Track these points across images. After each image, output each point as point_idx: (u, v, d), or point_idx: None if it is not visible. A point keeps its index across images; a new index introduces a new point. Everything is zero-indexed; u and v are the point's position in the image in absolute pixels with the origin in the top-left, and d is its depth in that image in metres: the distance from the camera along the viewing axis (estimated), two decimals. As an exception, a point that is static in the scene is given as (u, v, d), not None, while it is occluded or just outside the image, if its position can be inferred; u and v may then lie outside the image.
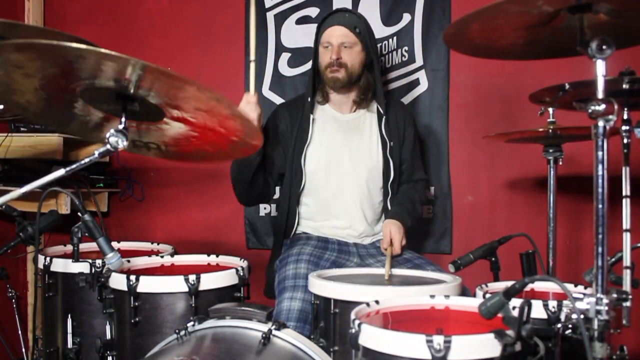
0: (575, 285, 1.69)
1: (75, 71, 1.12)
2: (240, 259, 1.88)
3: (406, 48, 2.67)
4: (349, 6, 2.70)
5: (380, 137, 2.22)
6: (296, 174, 2.20)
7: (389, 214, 2.17)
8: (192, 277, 1.62)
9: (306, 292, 1.84)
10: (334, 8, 2.70)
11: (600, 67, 1.12)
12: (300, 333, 1.76)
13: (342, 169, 2.20)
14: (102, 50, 1.01)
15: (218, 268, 1.94)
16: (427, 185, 2.39)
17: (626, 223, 1.26)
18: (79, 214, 1.68)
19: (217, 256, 1.97)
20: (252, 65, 2.07)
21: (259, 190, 2.19)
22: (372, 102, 2.25)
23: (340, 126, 2.24)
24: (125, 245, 2.38)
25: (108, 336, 1.75)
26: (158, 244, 2.37)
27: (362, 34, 2.16)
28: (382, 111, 2.21)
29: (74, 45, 0.99)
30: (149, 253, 2.23)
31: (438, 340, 1.08)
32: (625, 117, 1.38)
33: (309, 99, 2.22)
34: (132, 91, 1.19)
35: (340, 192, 2.20)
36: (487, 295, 1.21)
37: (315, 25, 2.24)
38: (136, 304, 1.62)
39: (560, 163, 2.00)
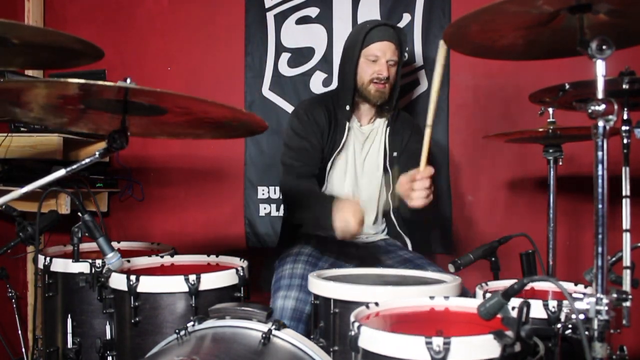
0: (576, 284, 1.68)
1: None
2: (240, 259, 1.88)
3: (406, 48, 2.67)
4: (349, 6, 2.70)
5: (384, 146, 2.24)
6: (320, 179, 2.19)
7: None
8: (192, 277, 1.62)
9: (301, 291, 1.84)
10: (334, 9, 2.71)
11: (600, 67, 1.12)
12: (294, 332, 1.78)
13: (353, 177, 2.21)
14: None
15: (218, 268, 1.93)
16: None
17: (626, 223, 1.26)
18: (79, 214, 1.68)
19: (217, 256, 1.97)
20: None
21: None
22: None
23: (358, 137, 2.25)
24: (125, 245, 2.38)
25: (108, 336, 1.75)
26: (158, 244, 2.38)
27: (402, 52, 2.18)
28: (389, 121, 2.23)
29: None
30: (149, 253, 2.23)
31: (437, 342, 1.07)
32: (625, 117, 1.38)
33: (347, 107, 2.17)
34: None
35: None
36: (487, 294, 1.21)
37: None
38: (136, 304, 1.62)
39: (560, 163, 2.00)
